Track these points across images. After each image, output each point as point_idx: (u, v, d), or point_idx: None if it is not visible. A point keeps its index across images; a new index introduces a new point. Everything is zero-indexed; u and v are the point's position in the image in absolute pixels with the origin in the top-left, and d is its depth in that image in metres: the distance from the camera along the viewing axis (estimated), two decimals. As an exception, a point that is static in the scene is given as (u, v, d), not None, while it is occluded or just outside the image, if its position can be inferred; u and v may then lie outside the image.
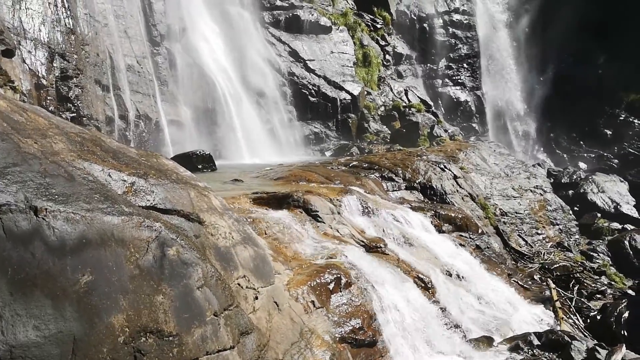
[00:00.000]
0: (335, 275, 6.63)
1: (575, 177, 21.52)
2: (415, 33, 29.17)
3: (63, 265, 3.39)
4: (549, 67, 29.96)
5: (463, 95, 29.49)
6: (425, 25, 29.25)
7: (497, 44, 31.01)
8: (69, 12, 13.38)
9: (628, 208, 19.83)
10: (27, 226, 3.33)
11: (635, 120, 26.80)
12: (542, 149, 29.07)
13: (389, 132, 23.56)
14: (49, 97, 12.28)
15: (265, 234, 7.25)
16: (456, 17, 30.08)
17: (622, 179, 21.83)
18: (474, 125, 29.05)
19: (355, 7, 26.97)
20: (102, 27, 14.67)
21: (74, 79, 13.05)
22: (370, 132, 23.35)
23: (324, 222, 8.58)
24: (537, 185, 16.83)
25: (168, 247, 4.20)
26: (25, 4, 12.18)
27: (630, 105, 27.32)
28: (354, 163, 14.01)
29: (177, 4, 17.61)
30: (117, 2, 15.44)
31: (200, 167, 12.93)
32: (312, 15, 23.43)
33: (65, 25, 13.25)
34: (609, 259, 15.66)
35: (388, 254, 8.57)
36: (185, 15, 17.92)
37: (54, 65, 12.65)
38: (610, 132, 27.15)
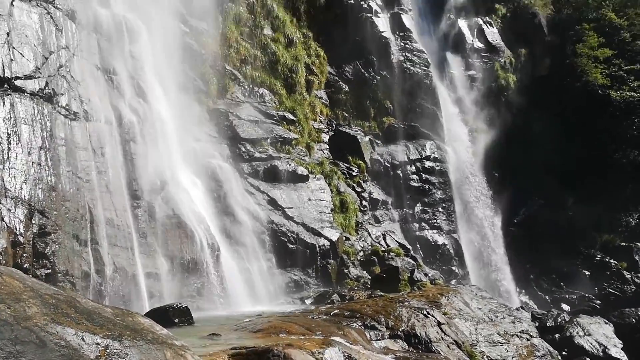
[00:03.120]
0: None
1: (559, 320, 21.25)
2: (390, 179, 30.07)
3: None
4: (521, 210, 30.85)
5: (440, 239, 29.79)
6: (399, 172, 30.25)
7: (470, 189, 32.04)
8: (52, 170, 13.66)
9: (616, 351, 19.37)
10: (-10, 401, 3.13)
11: (612, 260, 27.19)
12: (523, 291, 28.97)
13: (369, 277, 23.40)
14: (24, 254, 12.13)
15: (245, 394, 6.88)
16: (428, 164, 31.25)
17: (606, 321, 21.56)
18: (453, 268, 29.05)
19: (331, 157, 28.07)
20: (84, 183, 14.91)
21: (52, 234, 13.02)
22: (351, 278, 23.18)
23: (306, 378, 8.19)
24: (522, 330, 16.51)
25: (141, 417, 3.95)
26: (10, 163, 12.45)
27: (605, 246, 27.88)
28: (335, 311, 13.69)
29: (159, 159, 18.12)
30: (100, 159, 15.85)
31: (176, 321, 12.51)
32: (290, 165, 24.26)
33: (47, 182, 13.46)
34: (604, 407, 15.04)
35: (375, 412, 8.12)
36: (167, 169, 18.38)
37: (33, 222, 12.66)
38: (589, 273, 27.36)
